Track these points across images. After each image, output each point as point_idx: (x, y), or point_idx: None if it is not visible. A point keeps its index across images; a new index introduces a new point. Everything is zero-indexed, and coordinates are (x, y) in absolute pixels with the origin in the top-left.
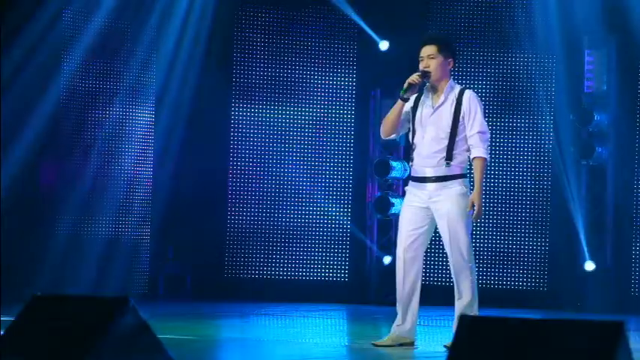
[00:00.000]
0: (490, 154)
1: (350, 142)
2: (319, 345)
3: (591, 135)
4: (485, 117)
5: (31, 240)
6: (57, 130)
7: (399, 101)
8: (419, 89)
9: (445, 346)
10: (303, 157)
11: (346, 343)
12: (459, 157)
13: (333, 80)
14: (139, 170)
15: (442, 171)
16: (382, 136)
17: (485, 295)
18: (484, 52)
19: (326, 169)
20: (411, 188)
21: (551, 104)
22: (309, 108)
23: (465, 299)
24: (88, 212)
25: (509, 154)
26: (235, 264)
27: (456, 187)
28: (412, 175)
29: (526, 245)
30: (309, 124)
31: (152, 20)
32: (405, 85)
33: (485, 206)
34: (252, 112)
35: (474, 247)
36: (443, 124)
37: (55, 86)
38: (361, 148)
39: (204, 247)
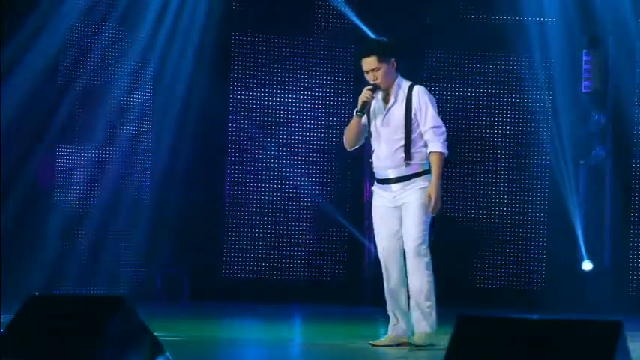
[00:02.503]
0: (448, 147)
1: None
2: (317, 345)
3: (589, 135)
4: (437, 111)
5: (29, 239)
6: (54, 129)
7: (356, 117)
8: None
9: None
10: (301, 156)
11: (344, 343)
12: (418, 155)
13: (330, 79)
14: (136, 169)
15: (403, 171)
16: (347, 148)
17: (483, 294)
18: (482, 51)
19: (324, 169)
20: (377, 189)
21: (549, 104)
22: (307, 108)
23: (418, 295)
24: (86, 212)
25: (507, 154)
26: (233, 264)
27: (419, 183)
28: (376, 177)
29: (524, 245)
30: (307, 123)
31: (150, 21)
32: (360, 104)
33: (483, 205)
34: (250, 112)
35: (472, 246)
36: (397, 124)
37: (49, 83)
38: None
39: (203, 247)
